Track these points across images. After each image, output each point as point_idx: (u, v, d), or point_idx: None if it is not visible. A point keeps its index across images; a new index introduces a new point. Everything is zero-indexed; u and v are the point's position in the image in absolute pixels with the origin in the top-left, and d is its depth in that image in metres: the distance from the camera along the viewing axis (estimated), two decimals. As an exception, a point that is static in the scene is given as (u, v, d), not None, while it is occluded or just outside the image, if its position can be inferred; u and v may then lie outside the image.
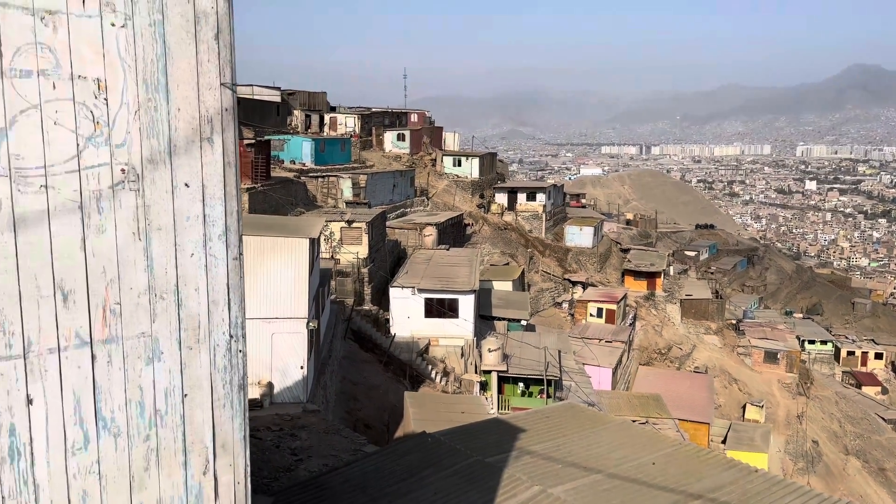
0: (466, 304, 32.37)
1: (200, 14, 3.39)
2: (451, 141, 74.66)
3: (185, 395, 3.55)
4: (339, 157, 52.13)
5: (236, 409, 3.74)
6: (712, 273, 78.92)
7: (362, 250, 35.49)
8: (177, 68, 3.36)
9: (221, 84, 3.49)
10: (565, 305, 52.03)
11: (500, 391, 31.29)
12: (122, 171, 3.26)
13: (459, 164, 64.06)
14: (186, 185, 3.46)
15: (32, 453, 3.11)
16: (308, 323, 20.61)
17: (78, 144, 3.13)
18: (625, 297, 51.13)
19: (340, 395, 27.75)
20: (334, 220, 34.88)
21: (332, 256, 34.06)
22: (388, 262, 39.42)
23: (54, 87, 3.05)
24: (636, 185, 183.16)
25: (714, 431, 39.99)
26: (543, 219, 60.96)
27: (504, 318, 37.40)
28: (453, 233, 47.47)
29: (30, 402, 3.09)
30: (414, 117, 74.72)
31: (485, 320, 36.60)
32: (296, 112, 61.30)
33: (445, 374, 31.79)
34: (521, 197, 61.41)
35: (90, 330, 3.23)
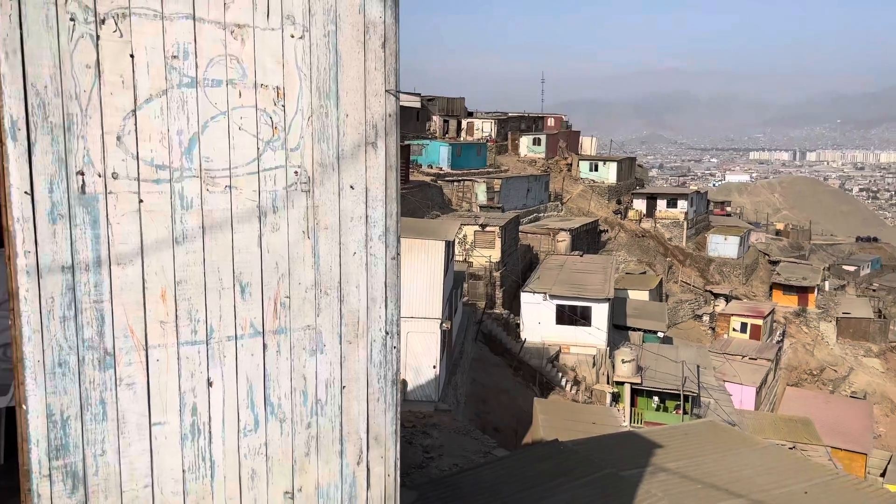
0: (600, 313, 31.65)
1: (370, 24, 3.56)
2: (588, 145, 73.34)
3: (344, 386, 3.72)
4: (475, 162, 52.75)
5: (389, 404, 3.88)
6: (874, 290, 72.09)
7: (495, 254, 35.67)
8: (346, 76, 3.54)
9: (386, 91, 3.64)
10: (706, 318, 49.52)
11: (632, 404, 30.30)
12: (296, 173, 3.48)
13: (596, 169, 62.79)
14: (352, 187, 3.64)
15: (210, 432, 3.39)
16: (442, 323, 21.00)
17: (258, 148, 3.38)
18: (772, 312, 47.90)
19: (470, 396, 28.02)
20: (468, 224, 35.30)
21: (465, 259, 34.51)
22: (520, 267, 39.37)
23: (240, 95, 3.31)
24: (788, 193, 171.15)
25: (872, 463, 36.48)
26: (684, 227, 58.40)
27: (639, 329, 36.20)
28: (587, 239, 46.59)
29: (210, 384, 3.37)
30: (550, 121, 74.13)
31: (619, 330, 35.60)
32: (434, 117, 62.72)
33: (576, 382, 31.25)
34: (661, 203, 59.17)
35: (263, 321, 3.48)
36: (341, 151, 3.58)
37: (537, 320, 32.22)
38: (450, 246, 23.41)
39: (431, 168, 48.83)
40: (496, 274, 35.56)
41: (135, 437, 3.21)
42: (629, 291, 41.04)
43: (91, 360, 3.10)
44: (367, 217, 3.73)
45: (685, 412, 28.98)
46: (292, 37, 3.39)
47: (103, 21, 2.98)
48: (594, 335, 31.62)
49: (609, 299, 31.96)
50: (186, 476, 3.35)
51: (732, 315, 46.24)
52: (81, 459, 3.11)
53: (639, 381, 29.75)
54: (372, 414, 3.84)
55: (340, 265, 3.66)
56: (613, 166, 62.61)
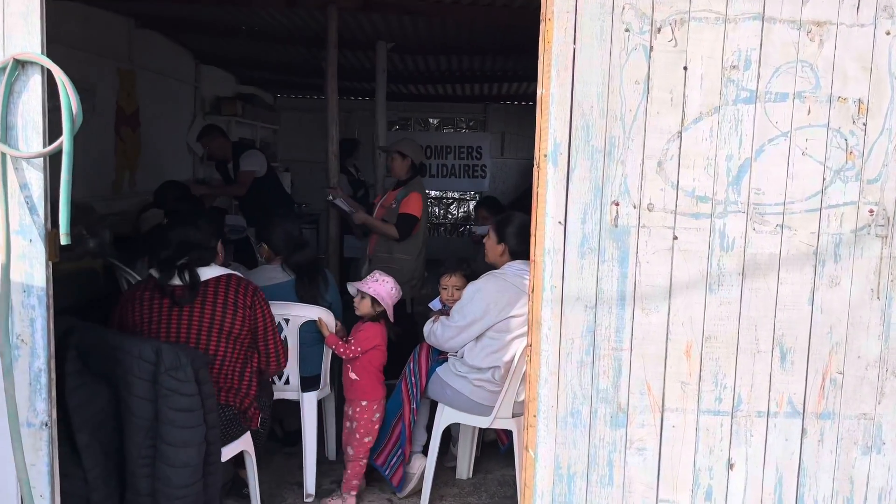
0: None
1: None
2: None
3: (905, 503, 2.76)
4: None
5: (971, 541, 2.77)
6: None
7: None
8: (960, 83, 2.58)
9: None
10: None
11: None
12: (871, 212, 2.65)
13: None
14: (948, 235, 2.66)
15: (725, 523, 2.77)
16: None
17: (824, 179, 2.64)
18: None
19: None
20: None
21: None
22: None
23: (809, 111, 2.62)
24: None
25: None
26: None
27: None
28: None
29: (731, 466, 2.76)
30: None
31: None
32: None
33: None
34: None
35: (805, 398, 2.73)
36: (939, 186, 2.63)
37: None
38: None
39: None
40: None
41: (639, 511, 2.76)
42: None
43: (603, 414, 2.73)
44: (970, 277, 2.69)
45: None
46: (888, 34, 2.57)
47: (659, 30, 2.59)
48: None
49: None
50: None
51: None
52: (583, 523, 2.78)
53: None
54: (945, 548, 2.78)
55: (920, 339, 2.70)
56: None
